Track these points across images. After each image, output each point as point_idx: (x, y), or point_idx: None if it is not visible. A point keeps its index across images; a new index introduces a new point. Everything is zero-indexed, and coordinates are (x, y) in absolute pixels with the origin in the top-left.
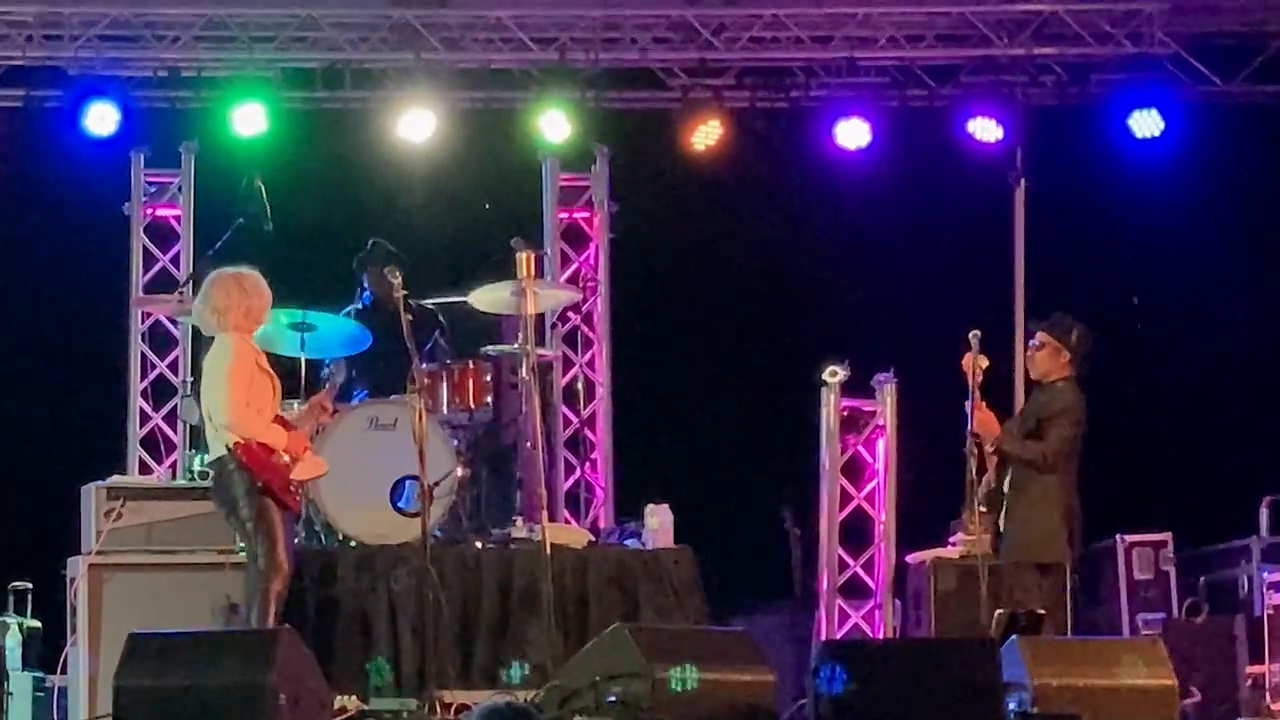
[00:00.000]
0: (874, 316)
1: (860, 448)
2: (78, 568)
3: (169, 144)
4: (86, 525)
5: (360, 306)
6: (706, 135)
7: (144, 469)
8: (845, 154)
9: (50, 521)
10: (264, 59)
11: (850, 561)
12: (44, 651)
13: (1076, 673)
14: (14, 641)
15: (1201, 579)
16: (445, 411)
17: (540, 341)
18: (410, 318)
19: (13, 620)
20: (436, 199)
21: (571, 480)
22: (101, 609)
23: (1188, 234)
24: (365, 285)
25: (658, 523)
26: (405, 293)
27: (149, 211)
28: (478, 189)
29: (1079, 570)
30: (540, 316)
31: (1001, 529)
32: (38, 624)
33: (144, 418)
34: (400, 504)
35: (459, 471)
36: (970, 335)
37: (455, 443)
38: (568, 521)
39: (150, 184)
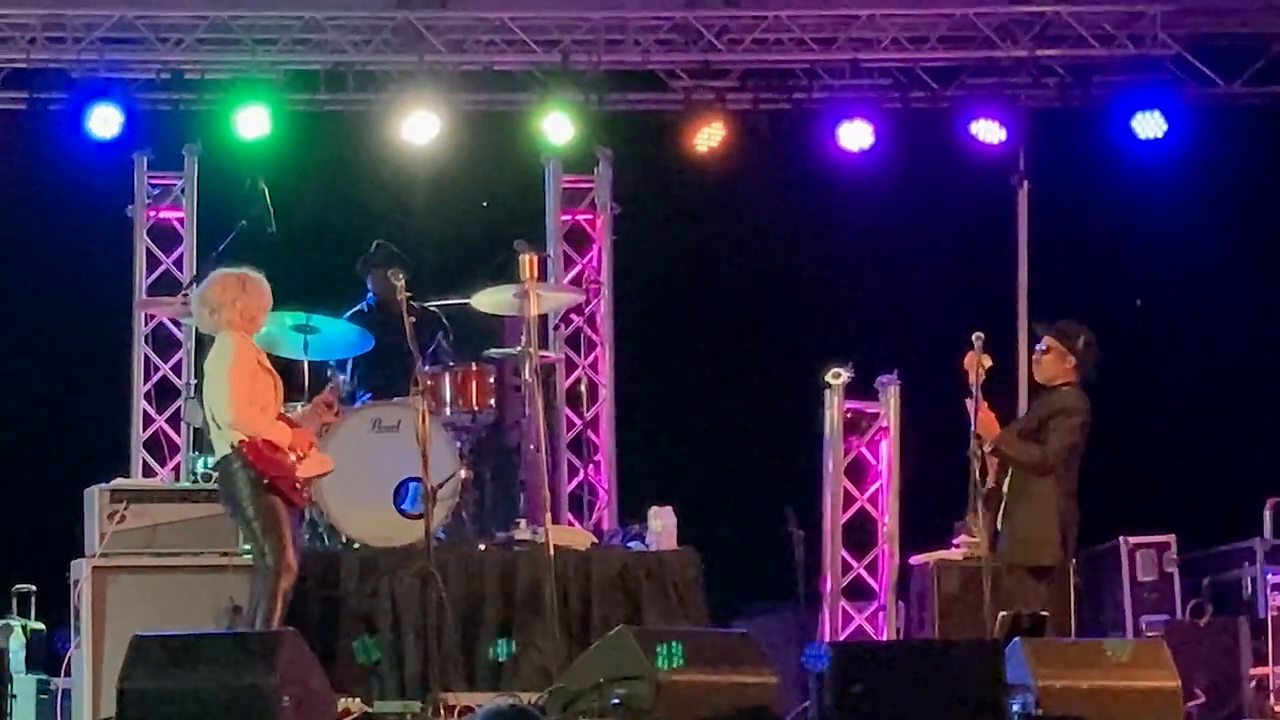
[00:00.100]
0: (877, 318)
1: (863, 449)
2: (81, 570)
3: (172, 146)
4: (90, 528)
5: (364, 308)
6: (709, 137)
7: (147, 471)
8: (848, 156)
9: (53, 524)
10: (267, 61)
11: (854, 563)
12: (48, 654)
13: (1080, 674)
14: (17, 644)
15: (1205, 580)
16: (448, 413)
17: (543, 343)
18: (413, 320)
19: (16, 622)
20: (439, 201)
21: (575, 482)
22: (105, 611)
23: (1190, 235)
24: (369, 287)
25: (661, 525)
26: (409, 295)
27: (152, 214)
28: (481, 191)
29: (1080, 572)
30: (543, 318)
31: (999, 529)
32: (41, 626)
33: (147, 420)
34: (403, 506)
35: (462, 473)
36: (973, 337)
37: (458, 445)
38: (571, 523)
39: (153, 186)
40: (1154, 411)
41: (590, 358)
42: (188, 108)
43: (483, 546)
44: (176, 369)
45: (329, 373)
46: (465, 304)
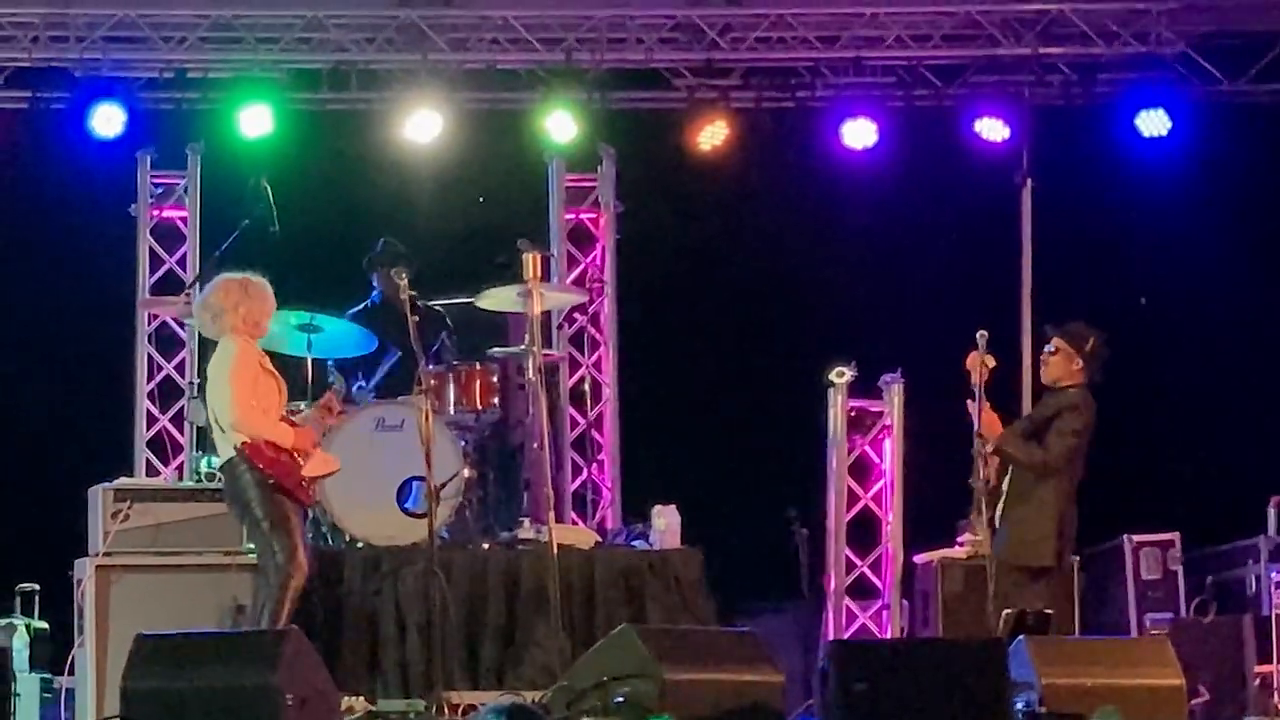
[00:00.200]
0: (881, 317)
1: (867, 448)
2: (85, 569)
3: (175, 145)
4: (93, 527)
5: (368, 305)
6: (713, 135)
7: (151, 470)
8: (852, 154)
9: (57, 523)
10: (270, 60)
11: (857, 562)
12: (52, 653)
13: (1084, 672)
14: (21, 643)
15: (1209, 578)
16: (452, 413)
17: (547, 342)
18: (417, 318)
19: (20, 621)
20: (443, 200)
21: (578, 481)
22: (109, 610)
23: (1194, 234)
24: (374, 284)
25: (664, 523)
26: (413, 293)
27: (155, 213)
28: (484, 190)
29: (1084, 570)
30: (547, 317)
31: (996, 527)
32: (45, 625)
33: (150, 419)
34: (407, 505)
35: (466, 473)
36: (977, 335)
37: (462, 444)
38: (575, 522)
39: (156, 185)
40: (1158, 410)
41: (594, 357)
42: (191, 107)
43: (486, 545)
44: (180, 368)
45: (329, 376)
46: (469, 303)
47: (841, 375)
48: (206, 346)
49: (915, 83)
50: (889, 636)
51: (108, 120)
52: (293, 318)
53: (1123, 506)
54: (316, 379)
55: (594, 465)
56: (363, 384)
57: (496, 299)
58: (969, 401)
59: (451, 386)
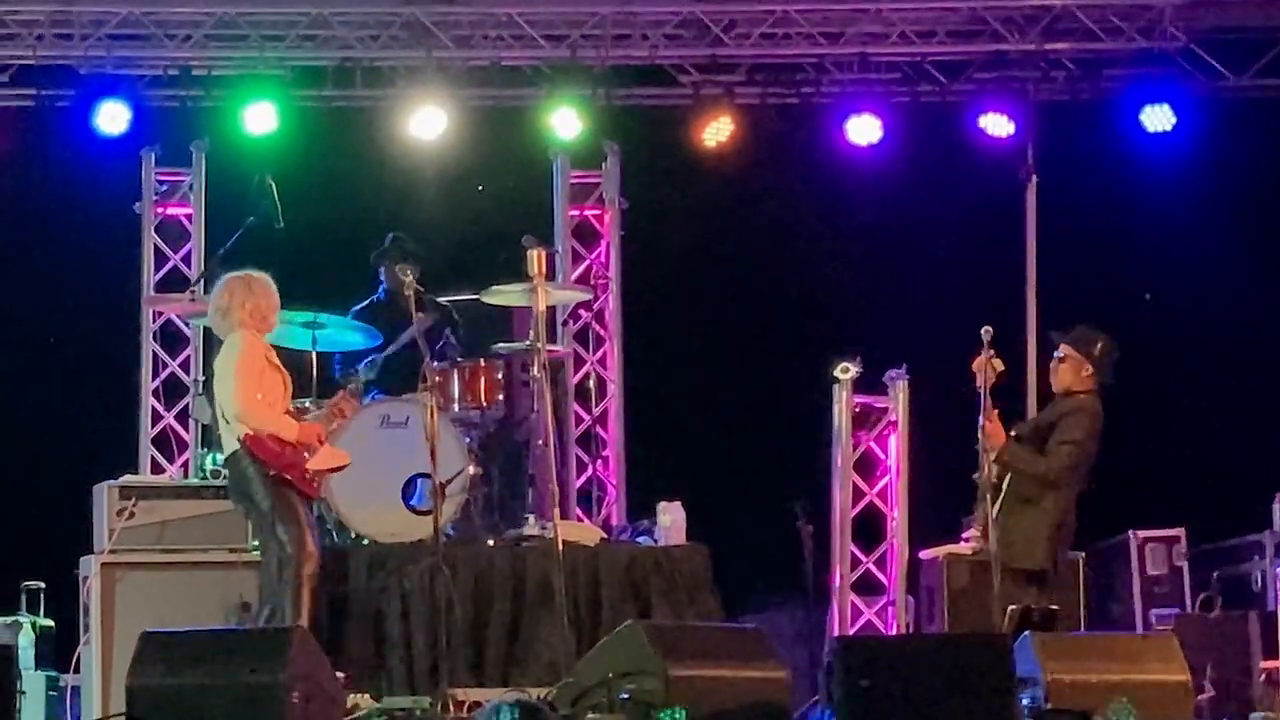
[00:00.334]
0: (885, 313)
1: (872, 444)
2: (90, 567)
3: (180, 143)
4: (99, 524)
5: (375, 300)
6: (717, 132)
7: (156, 468)
8: (856, 150)
9: (62, 521)
10: (274, 57)
11: (863, 558)
12: (57, 650)
13: (1089, 668)
14: (27, 640)
15: (1215, 574)
16: (457, 409)
17: (551, 339)
18: (421, 315)
19: (26, 619)
20: (448, 197)
21: (583, 478)
22: (114, 608)
23: (1199, 229)
24: (381, 279)
25: (670, 520)
26: (420, 289)
27: (160, 210)
28: (489, 187)
29: (1090, 566)
30: (551, 313)
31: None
32: (51, 623)
33: (156, 417)
34: (412, 502)
35: (471, 469)
36: (982, 331)
37: (467, 440)
38: (580, 519)
39: (161, 183)
40: (1163, 405)
41: (599, 353)
42: (195, 104)
43: (491, 542)
44: (185, 365)
45: (351, 371)
46: (474, 299)
47: (846, 371)
48: (211, 343)
49: (920, 79)
50: (894, 632)
51: (112, 118)
52: (297, 318)
53: (1128, 502)
54: (322, 374)
55: (599, 462)
56: (375, 358)
57: (501, 295)
58: (981, 417)
59: (456, 383)
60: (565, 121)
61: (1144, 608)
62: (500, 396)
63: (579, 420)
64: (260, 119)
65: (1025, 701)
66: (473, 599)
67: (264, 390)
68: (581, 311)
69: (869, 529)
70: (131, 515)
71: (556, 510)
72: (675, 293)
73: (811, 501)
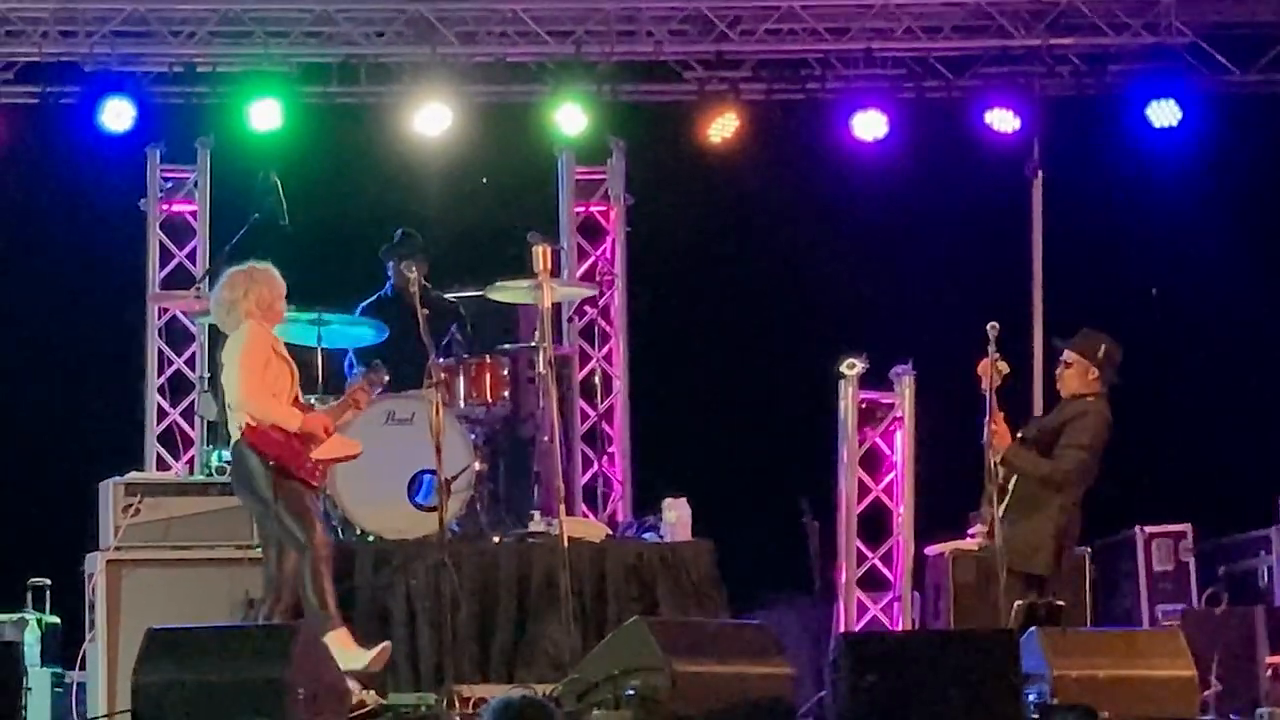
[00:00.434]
0: (891, 308)
1: (878, 440)
2: (96, 564)
3: (185, 139)
4: (104, 521)
5: (383, 295)
6: (723, 128)
7: (161, 465)
8: (862, 146)
9: (68, 518)
10: (279, 54)
11: (869, 554)
12: (63, 647)
13: (1096, 664)
14: (33, 637)
15: (1221, 569)
16: (462, 406)
17: (557, 335)
18: (426, 312)
19: (31, 616)
20: (452, 193)
21: (589, 474)
22: (120, 605)
23: (1205, 224)
24: (389, 274)
25: (675, 516)
26: (426, 285)
27: (165, 207)
28: (494, 183)
29: (1096, 562)
30: (557, 310)
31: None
32: (56, 620)
33: (161, 414)
34: (418, 498)
35: (476, 466)
36: (988, 327)
37: (473, 437)
38: (585, 515)
39: (166, 179)
40: (1169, 401)
41: (604, 349)
42: (200, 101)
43: (497, 539)
44: (190, 362)
45: (371, 363)
46: (480, 296)
47: (852, 367)
48: (216, 340)
49: (925, 74)
50: (900, 628)
51: (117, 115)
52: (301, 315)
53: (1134, 498)
54: (328, 370)
55: (604, 458)
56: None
57: (507, 292)
58: (986, 418)
59: (462, 380)
60: (570, 117)
61: (1150, 603)
62: (506, 393)
63: (584, 416)
64: (265, 116)
65: (1031, 697)
66: (478, 596)
67: (269, 381)
68: (587, 308)
69: (875, 525)
70: (137, 512)
71: (562, 507)
72: (681, 289)
73: (817, 497)
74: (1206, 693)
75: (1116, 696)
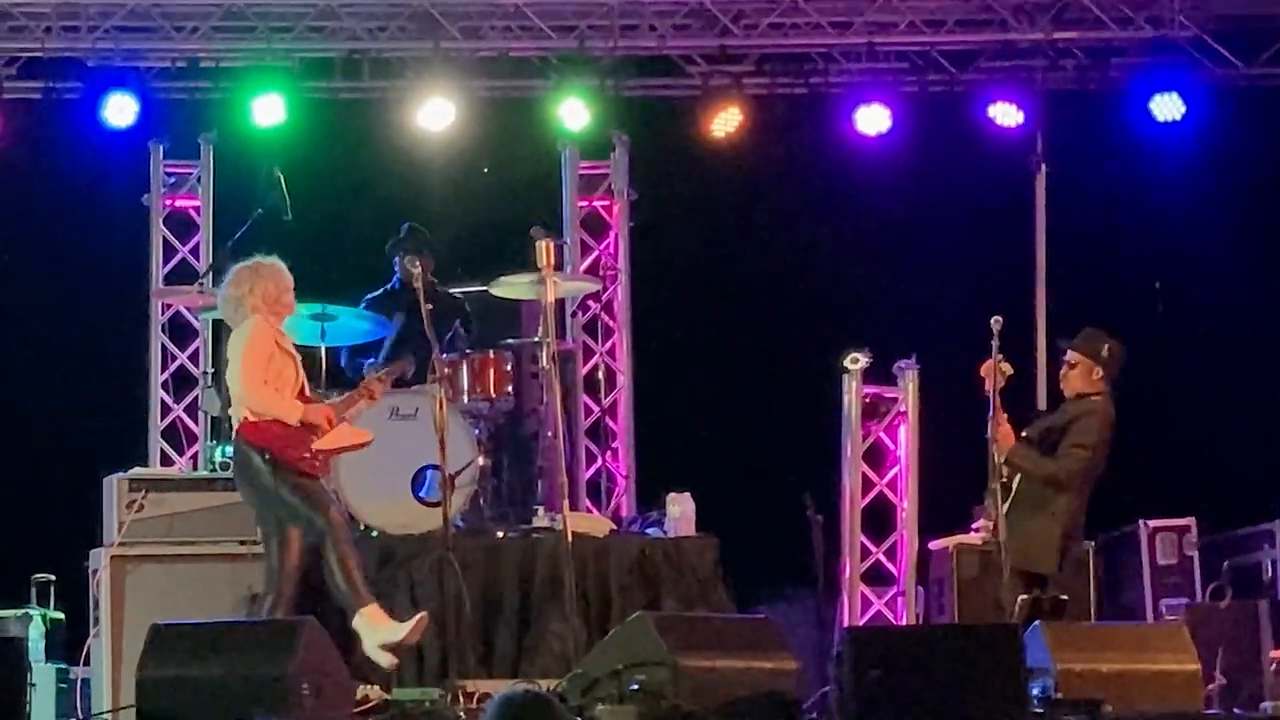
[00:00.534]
0: (895, 303)
1: (882, 434)
2: (100, 559)
3: (188, 135)
4: (108, 517)
5: (389, 289)
6: (726, 122)
7: (165, 460)
8: (865, 140)
9: (72, 514)
10: (282, 49)
11: (873, 548)
12: (68, 643)
13: (1100, 658)
14: (37, 633)
15: (1225, 563)
16: (466, 401)
17: (561, 330)
18: (430, 307)
19: (36, 612)
20: (455, 188)
21: (593, 469)
22: (124, 600)
23: (1209, 218)
24: (395, 269)
25: (679, 511)
26: (432, 280)
27: (168, 202)
28: (497, 178)
29: (1100, 556)
30: (560, 305)
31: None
32: (61, 615)
33: (165, 409)
34: (421, 494)
35: (480, 461)
36: (991, 321)
37: (476, 432)
38: (589, 510)
39: (169, 175)
40: (1173, 395)
41: (608, 344)
42: (203, 96)
43: (501, 534)
44: (194, 358)
45: (399, 353)
46: (483, 291)
47: (856, 362)
48: (221, 335)
49: (929, 68)
50: (904, 623)
51: (120, 110)
52: (305, 309)
53: (1138, 492)
54: (331, 365)
55: (608, 453)
56: (374, 360)
57: (510, 287)
58: (989, 418)
59: (465, 375)
60: (573, 112)
61: (1154, 597)
62: (509, 388)
63: (588, 411)
64: (268, 111)
65: (1036, 691)
66: (482, 591)
67: (272, 375)
68: (590, 303)
69: (879, 519)
70: (141, 508)
71: (566, 502)
72: (684, 283)
73: (821, 492)
74: (1211, 687)
75: (1121, 691)
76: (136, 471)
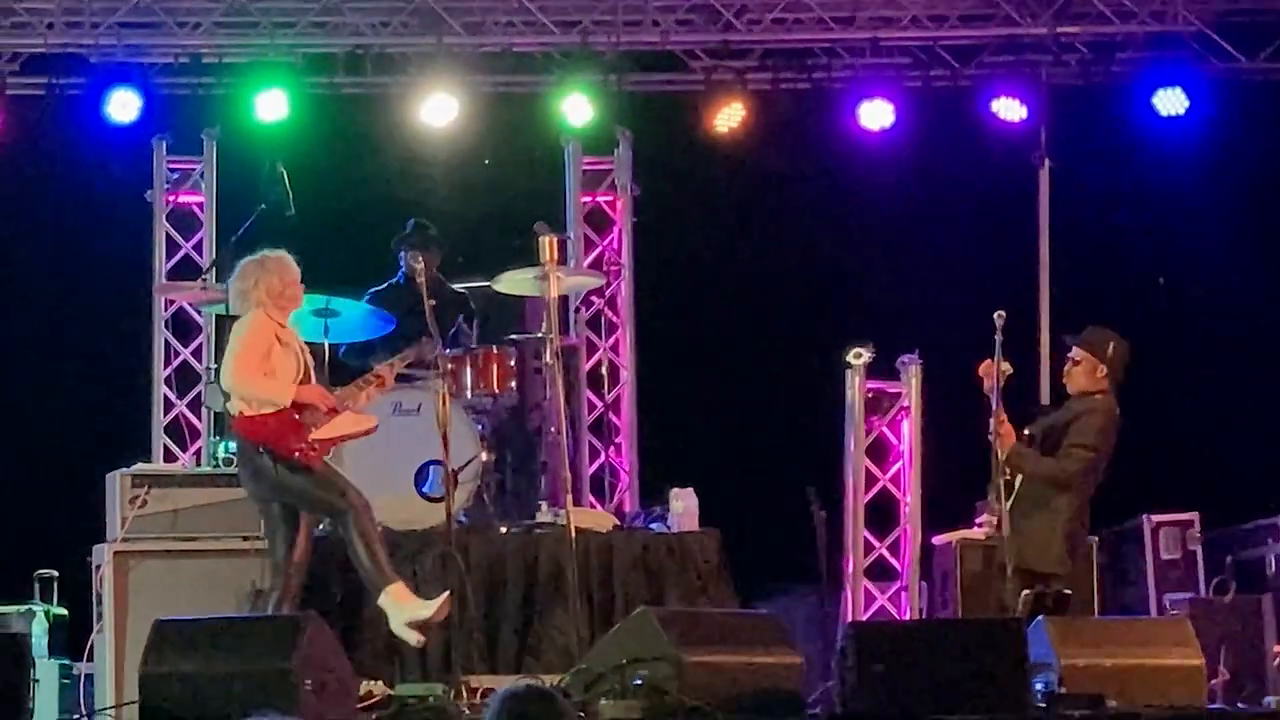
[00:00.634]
0: (898, 298)
1: (885, 429)
2: (103, 555)
3: (191, 130)
4: (111, 512)
5: (393, 284)
6: (729, 117)
7: (168, 456)
8: (869, 135)
9: (75, 509)
10: (285, 44)
11: (876, 543)
12: (71, 638)
13: (1103, 653)
14: (40, 629)
15: (1228, 558)
16: (469, 396)
17: (564, 326)
18: (434, 302)
19: (39, 608)
20: (459, 184)
21: (596, 464)
22: (127, 596)
23: (1212, 212)
24: (400, 264)
25: (683, 506)
26: (438, 275)
27: (171, 198)
28: (500, 174)
29: (1104, 550)
30: (564, 301)
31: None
32: (64, 611)
33: (168, 405)
34: (425, 489)
35: (483, 456)
36: (995, 316)
37: (479, 428)
38: (592, 506)
39: (172, 171)
40: (1177, 389)
41: (611, 340)
42: (206, 92)
43: (504, 529)
44: (197, 353)
45: (422, 338)
46: (486, 286)
47: (859, 356)
48: (223, 331)
49: (932, 63)
50: (907, 618)
51: (123, 106)
52: (308, 302)
53: (1142, 486)
54: (333, 364)
55: (612, 448)
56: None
57: (513, 282)
58: (992, 420)
59: (469, 370)
60: (577, 108)
61: (1158, 592)
62: (513, 384)
63: (591, 407)
64: (271, 106)
65: (1039, 686)
66: (485, 586)
67: (269, 369)
68: (594, 298)
69: (882, 514)
70: (144, 503)
71: (569, 497)
72: (687, 279)
73: (824, 487)
74: (1214, 681)
75: (1124, 685)
76: (140, 467)
